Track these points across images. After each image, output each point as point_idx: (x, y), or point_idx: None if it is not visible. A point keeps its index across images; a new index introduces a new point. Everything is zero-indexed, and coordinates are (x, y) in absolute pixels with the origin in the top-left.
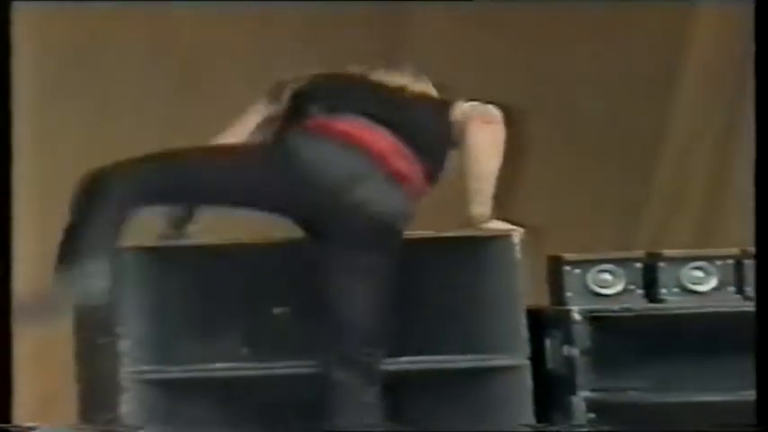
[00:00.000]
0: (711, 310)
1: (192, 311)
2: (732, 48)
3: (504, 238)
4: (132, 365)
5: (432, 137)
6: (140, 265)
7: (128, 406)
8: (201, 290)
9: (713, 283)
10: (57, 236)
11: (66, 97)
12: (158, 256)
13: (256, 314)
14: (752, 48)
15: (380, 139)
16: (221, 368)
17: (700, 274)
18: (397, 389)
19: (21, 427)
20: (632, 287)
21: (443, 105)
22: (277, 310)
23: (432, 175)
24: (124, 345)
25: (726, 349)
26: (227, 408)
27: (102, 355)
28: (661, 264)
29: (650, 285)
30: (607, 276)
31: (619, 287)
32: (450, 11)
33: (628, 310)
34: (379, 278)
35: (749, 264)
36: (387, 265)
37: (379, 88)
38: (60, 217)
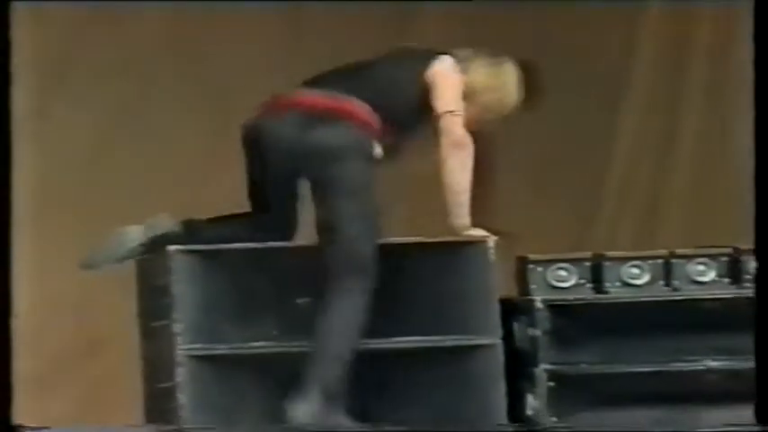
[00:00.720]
0: (645, 299)
1: (233, 301)
2: (680, 51)
3: (481, 243)
4: (186, 344)
5: (386, 86)
6: (193, 264)
7: (182, 377)
8: (241, 284)
9: (647, 278)
10: (57, 236)
11: (66, 97)
12: (207, 258)
13: (284, 303)
14: (751, 48)
15: (315, 96)
16: (257, 346)
17: (636, 271)
18: (394, 364)
19: (30, 427)
20: (583, 281)
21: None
22: (300, 301)
23: (387, 109)
24: (179, 327)
25: (657, 330)
26: (261, 377)
27: (160, 335)
28: (606, 263)
29: (597, 280)
30: (563, 273)
31: (572, 281)
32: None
33: (580, 299)
34: (351, 188)
35: (676, 262)
36: (353, 177)
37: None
38: (60, 218)
